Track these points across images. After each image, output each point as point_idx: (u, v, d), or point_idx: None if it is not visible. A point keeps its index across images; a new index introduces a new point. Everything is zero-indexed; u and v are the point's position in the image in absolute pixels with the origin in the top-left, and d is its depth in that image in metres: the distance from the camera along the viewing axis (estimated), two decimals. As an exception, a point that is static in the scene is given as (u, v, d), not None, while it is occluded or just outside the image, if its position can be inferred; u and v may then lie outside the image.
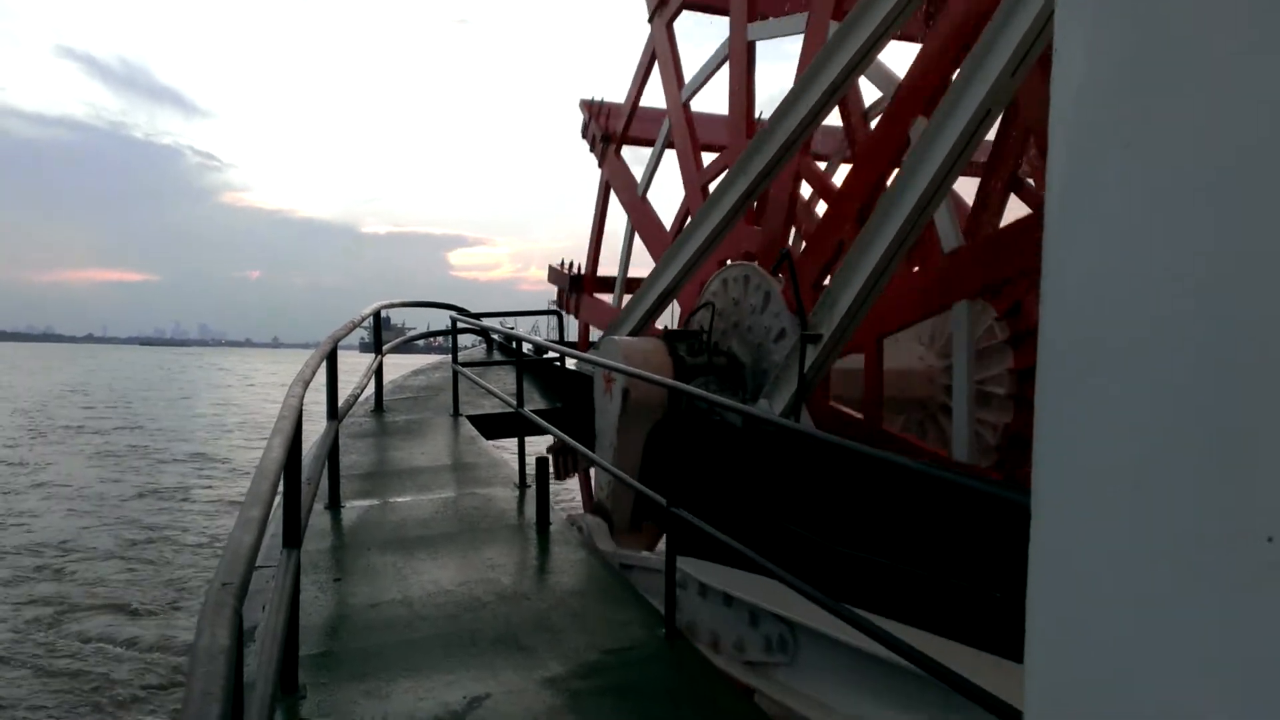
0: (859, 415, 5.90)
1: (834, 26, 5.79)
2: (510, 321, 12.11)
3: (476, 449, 7.10)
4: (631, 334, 7.21)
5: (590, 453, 5.14)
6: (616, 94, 10.65)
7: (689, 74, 8.62)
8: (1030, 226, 4.97)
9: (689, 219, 7.07)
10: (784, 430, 4.70)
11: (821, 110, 5.52)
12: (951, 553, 3.56)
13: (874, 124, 6.95)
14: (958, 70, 4.57)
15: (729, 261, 6.92)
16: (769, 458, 4.93)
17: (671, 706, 3.02)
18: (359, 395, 5.97)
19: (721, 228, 6.31)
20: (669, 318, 7.83)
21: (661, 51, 8.88)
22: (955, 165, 4.42)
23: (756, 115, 7.69)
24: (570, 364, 9.01)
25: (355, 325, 5.72)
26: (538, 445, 6.79)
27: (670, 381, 4.17)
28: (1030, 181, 7.06)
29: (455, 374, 8.45)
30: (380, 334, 8.12)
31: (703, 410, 5.27)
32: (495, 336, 10.70)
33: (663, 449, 4.81)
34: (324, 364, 4.07)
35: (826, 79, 5.32)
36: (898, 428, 6.70)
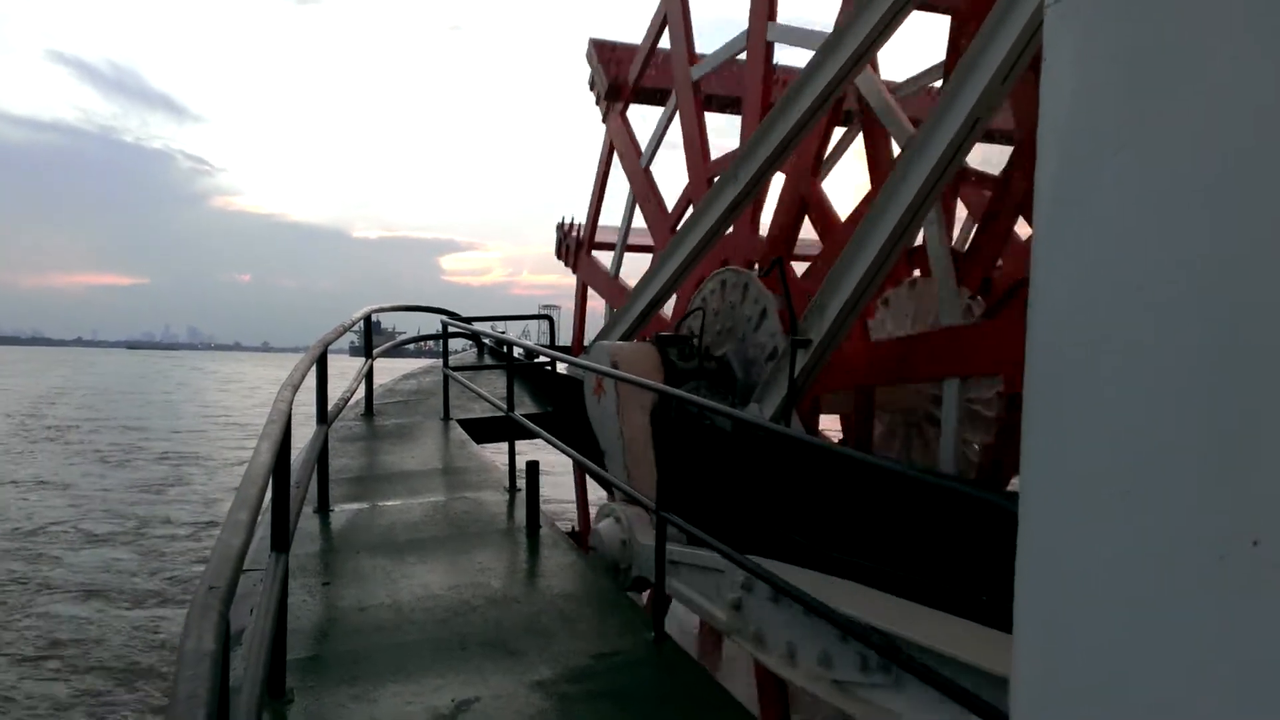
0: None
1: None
2: (501, 326, 12.10)
3: (467, 453, 7.09)
4: (623, 339, 7.21)
5: (582, 457, 5.13)
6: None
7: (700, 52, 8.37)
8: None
9: (690, 207, 7.04)
10: (774, 435, 4.70)
11: (817, 111, 5.52)
12: (939, 556, 3.57)
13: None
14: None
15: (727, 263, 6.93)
16: (760, 462, 4.93)
17: (660, 710, 3.02)
18: (349, 399, 5.95)
19: (714, 232, 6.31)
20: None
21: (673, 18, 8.65)
22: (945, 172, 4.44)
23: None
24: (561, 368, 9.01)
25: (345, 329, 5.70)
26: (528, 449, 6.77)
27: (661, 386, 4.18)
28: None
29: (446, 378, 8.43)
30: (370, 338, 8.10)
31: (693, 415, 5.28)
32: (486, 341, 10.70)
33: (669, 425, 4.72)
34: (314, 368, 4.06)
35: (822, 80, 5.31)
36: (878, 435, 6.72)
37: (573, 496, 10.96)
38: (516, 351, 7.89)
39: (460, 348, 12.01)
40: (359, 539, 4.77)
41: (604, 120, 10.16)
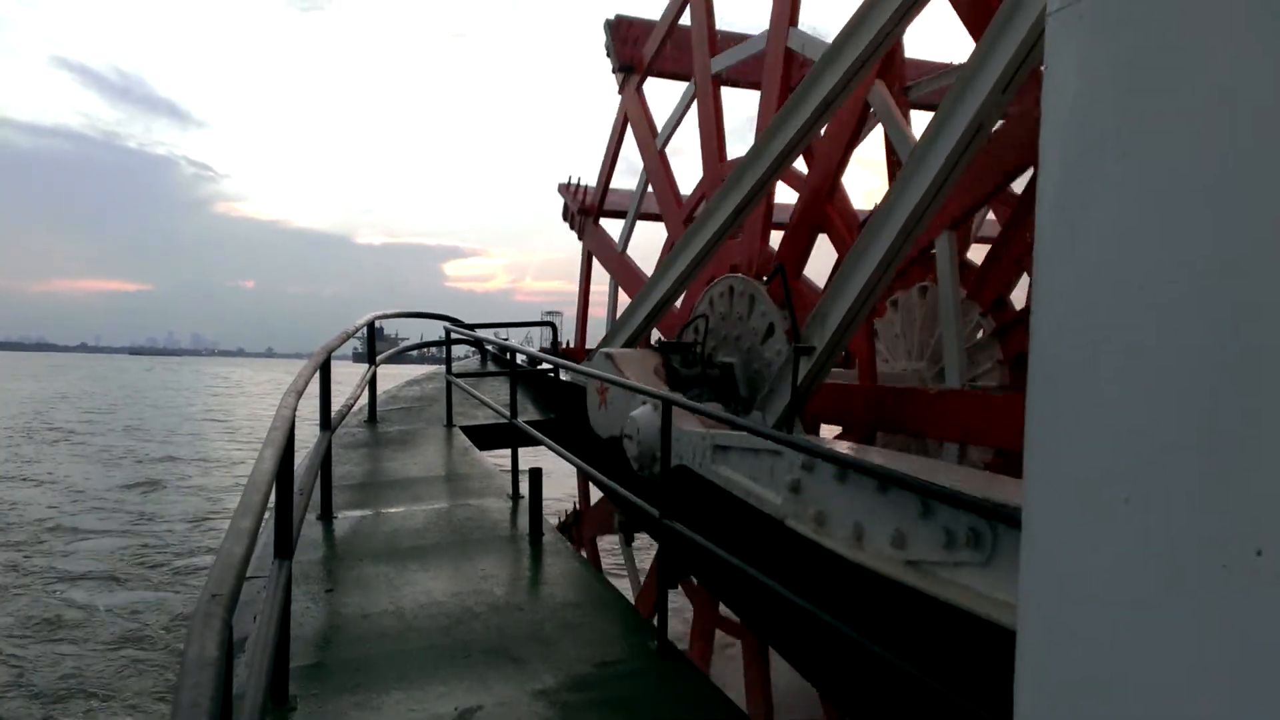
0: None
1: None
2: (504, 333, 12.11)
3: (470, 460, 7.09)
4: (625, 346, 7.21)
5: (585, 464, 5.13)
6: (608, 110, 10.66)
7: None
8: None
9: (703, 202, 7.02)
10: (776, 442, 4.70)
11: (814, 126, 5.54)
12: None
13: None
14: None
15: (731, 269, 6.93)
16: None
17: (664, 719, 3.01)
18: (352, 406, 5.95)
19: (715, 241, 6.32)
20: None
21: (695, 6, 8.59)
22: (947, 180, 4.45)
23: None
24: (564, 376, 9.01)
25: (349, 336, 5.71)
26: (531, 457, 6.79)
27: (663, 393, 4.17)
28: None
29: (449, 385, 8.44)
30: (374, 344, 8.12)
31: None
32: (489, 348, 10.71)
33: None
34: (317, 374, 4.06)
35: (819, 94, 5.33)
36: (881, 444, 6.71)
37: (573, 493, 11.02)
38: (519, 358, 7.90)
39: (463, 354, 12.03)
40: (362, 546, 4.76)
41: (620, 91, 10.12)
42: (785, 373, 5.35)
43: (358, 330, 6.31)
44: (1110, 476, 0.74)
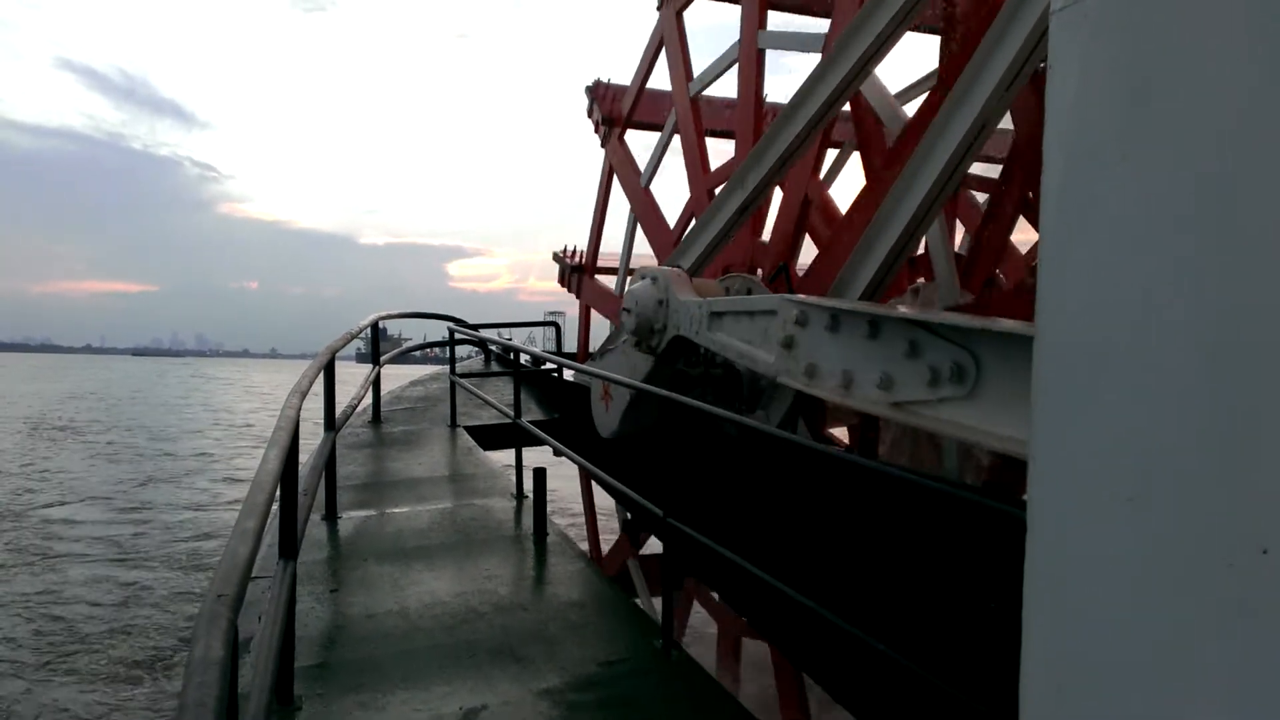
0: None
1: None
2: (507, 333, 12.14)
3: (474, 460, 7.10)
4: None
5: (590, 464, 5.13)
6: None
7: (698, 67, 8.49)
8: None
9: (693, 220, 7.02)
10: (779, 441, 4.69)
11: (825, 115, 5.49)
12: (946, 563, 3.55)
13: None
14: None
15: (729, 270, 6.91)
16: (765, 469, 4.92)
17: (669, 718, 3.01)
18: (356, 406, 5.97)
19: (720, 238, 6.30)
20: None
21: (670, 39, 8.79)
22: (950, 180, 4.44)
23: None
24: (568, 375, 9.02)
25: (353, 336, 5.71)
26: (535, 456, 6.80)
27: (665, 392, 4.17)
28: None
29: (453, 385, 8.45)
30: (378, 345, 8.13)
31: (698, 422, 5.27)
32: (493, 348, 10.73)
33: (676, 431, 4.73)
34: (321, 375, 4.07)
35: (831, 82, 5.29)
36: (887, 443, 6.69)
37: (577, 497, 11.01)
38: (523, 358, 7.91)
39: (467, 354, 12.05)
40: (367, 546, 4.77)
41: (603, 145, 10.25)
42: None
43: (362, 331, 6.33)
44: (1114, 476, 0.74)
